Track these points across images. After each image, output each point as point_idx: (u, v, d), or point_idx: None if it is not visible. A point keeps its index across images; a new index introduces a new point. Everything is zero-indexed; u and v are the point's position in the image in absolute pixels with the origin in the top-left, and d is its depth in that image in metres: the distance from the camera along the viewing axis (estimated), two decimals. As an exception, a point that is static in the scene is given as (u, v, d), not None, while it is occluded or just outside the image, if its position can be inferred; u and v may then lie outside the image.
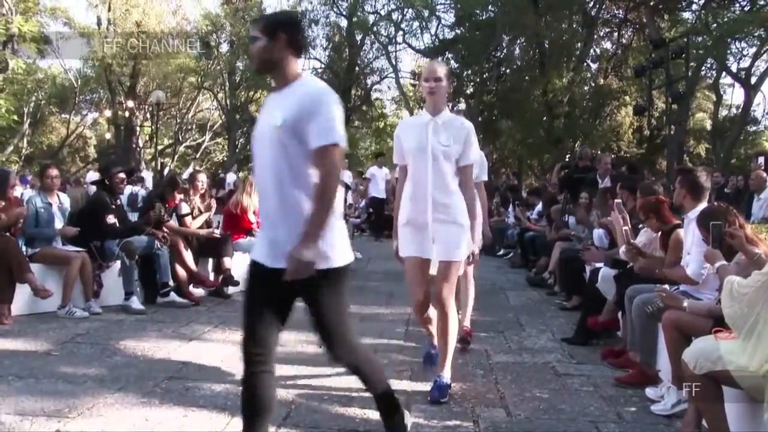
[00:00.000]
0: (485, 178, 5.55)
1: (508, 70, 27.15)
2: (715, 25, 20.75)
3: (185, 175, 10.24)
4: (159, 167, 29.50)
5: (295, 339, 5.48)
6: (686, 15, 25.23)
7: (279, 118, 2.62)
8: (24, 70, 25.93)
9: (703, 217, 3.94)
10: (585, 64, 26.49)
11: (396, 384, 4.21)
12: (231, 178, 19.43)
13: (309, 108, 2.61)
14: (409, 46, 29.29)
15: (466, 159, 3.99)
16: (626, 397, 4.17)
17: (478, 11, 25.71)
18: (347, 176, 15.84)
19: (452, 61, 27.64)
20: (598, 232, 7.16)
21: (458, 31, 26.99)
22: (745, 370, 2.89)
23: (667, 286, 4.25)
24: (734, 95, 30.23)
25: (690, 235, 4.38)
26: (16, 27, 22.38)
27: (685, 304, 3.89)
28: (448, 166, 3.94)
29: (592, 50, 26.93)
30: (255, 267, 2.78)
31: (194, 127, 36.86)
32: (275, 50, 2.71)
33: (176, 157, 34.86)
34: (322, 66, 31.34)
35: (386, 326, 6.13)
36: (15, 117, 26.27)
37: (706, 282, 4.23)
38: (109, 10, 28.45)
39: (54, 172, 6.75)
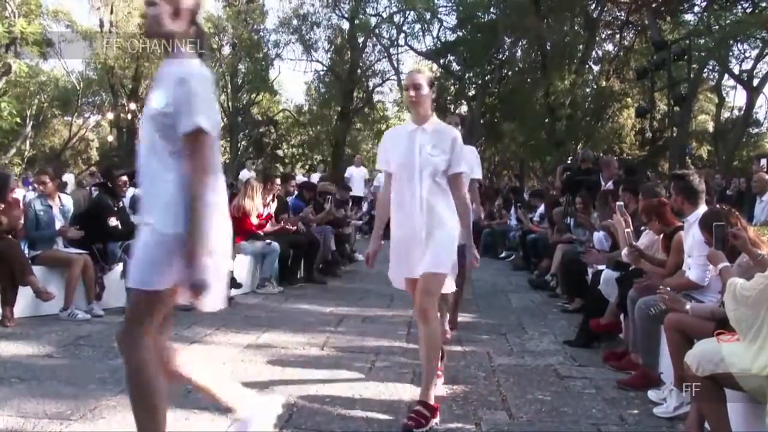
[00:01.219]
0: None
1: (509, 73, 27.12)
2: (717, 27, 20.75)
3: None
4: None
5: (297, 341, 5.49)
6: (688, 17, 25.27)
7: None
8: (26, 73, 25.97)
9: (705, 219, 3.93)
10: (587, 66, 26.46)
11: (399, 387, 4.23)
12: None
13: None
14: (411, 48, 29.31)
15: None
16: (628, 399, 4.16)
17: (479, 13, 25.73)
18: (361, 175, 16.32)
19: (454, 64, 27.67)
20: (598, 235, 7.15)
21: (460, 34, 26.97)
22: (747, 373, 2.89)
23: (669, 288, 4.24)
24: (736, 97, 30.29)
25: (690, 239, 4.38)
26: (18, 30, 22.40)
27: (688, 306, 3.89)
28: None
29: (593, 52, 26.92)
30: None
31: (196, 129, 36.82)
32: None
33: (178, 159, 34.81)
34: (324, 68, 31.41)
35: (388, 328, 6.13)
36: (18, 119, 26.30)
37: (709, 284, 4.23)
38: (111, 12, 28.49)
39: (43, 178, 6.77)
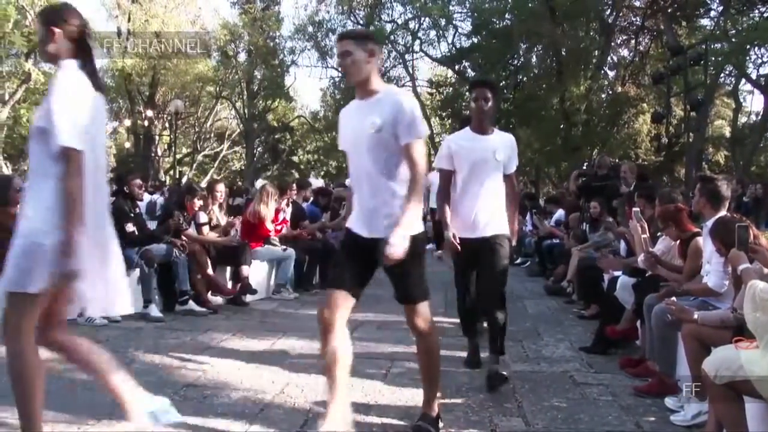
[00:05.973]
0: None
1: (525, 78, 27.07)
2: (733, 31, 20.63)
3: (203, 184, 10.30)
4: (177, 176, 29.75)
5: (312, 347, 5.49)
6: (704, 22, 25.15)
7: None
8: (45, 81, 26.22)
9: (716, 227, 3.90)
10: (602, 71, 26.37)
11: (414, 393, 4.22)
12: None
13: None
14: (426, 54, 29.38)
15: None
16: (645, 406, 4.12)
17: (495, 20, 25.70)
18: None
19: (469, 70, 27.66)
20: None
21: (475, 40, 26.95)
22: (766, 380, 2.86)
23: (674, 298, 4.21)
24: (754, 102, 30.05)
25: (709, 244, 4.34)
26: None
27: (696, 315, 3.85)
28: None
29: (609, 58, 26.84)
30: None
31: (212, 136, 37.12)
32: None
33: (194, 165, 35.11)
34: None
35: (403, 335, 6.09)
36: (36, 127, 26.50)
37: (726, 291, 4.19)
38: (128, 20, 28.75)
39: None
